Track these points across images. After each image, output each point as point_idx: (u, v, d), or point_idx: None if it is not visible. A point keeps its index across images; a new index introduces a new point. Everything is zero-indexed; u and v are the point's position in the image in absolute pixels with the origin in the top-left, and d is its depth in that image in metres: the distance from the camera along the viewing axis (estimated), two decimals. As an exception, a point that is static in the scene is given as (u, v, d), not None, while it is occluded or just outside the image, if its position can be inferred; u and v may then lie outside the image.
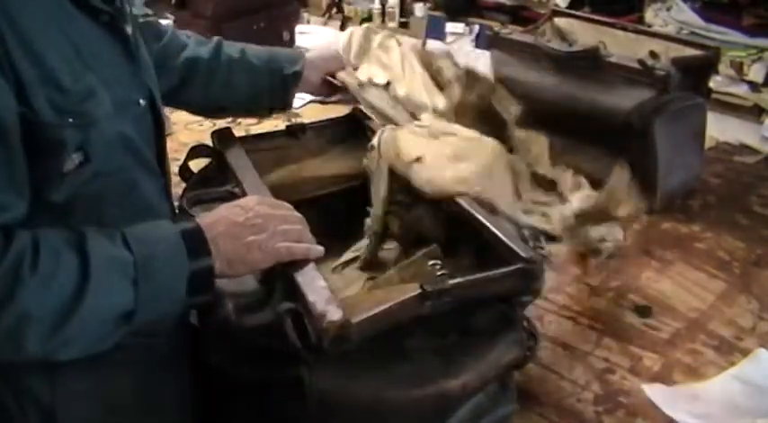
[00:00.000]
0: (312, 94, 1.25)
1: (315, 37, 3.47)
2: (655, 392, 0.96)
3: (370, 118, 1.16)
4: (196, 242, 0.73)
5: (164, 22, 3.10)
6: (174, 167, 0.98)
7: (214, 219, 0.76)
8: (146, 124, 0.82)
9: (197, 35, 1.12)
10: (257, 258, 0.76)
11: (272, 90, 1.11)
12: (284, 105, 1.15)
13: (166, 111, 1.13)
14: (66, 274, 0.66)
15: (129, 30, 0.80)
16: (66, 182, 0.71)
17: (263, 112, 1.24)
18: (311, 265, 0.77)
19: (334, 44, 1.24)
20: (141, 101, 0.81)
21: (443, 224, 0.98)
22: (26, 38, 0.65)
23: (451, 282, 0.76)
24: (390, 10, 4.01)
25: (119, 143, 0.76)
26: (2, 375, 0.73)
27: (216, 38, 1.11)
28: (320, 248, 0.79)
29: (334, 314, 0.69)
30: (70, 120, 0.69)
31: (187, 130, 1.71)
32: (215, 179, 1.03)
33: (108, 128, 0.74)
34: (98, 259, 0.67)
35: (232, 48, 1.10)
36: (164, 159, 0.89)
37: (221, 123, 1.56)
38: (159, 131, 0.86)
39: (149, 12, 0.94)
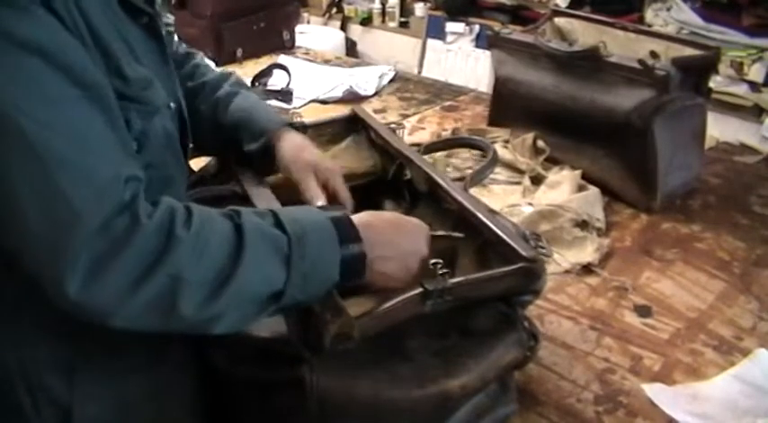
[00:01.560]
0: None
1: (315, 37, 3.48)
2: (655, 392, 0.96)
3: (370, 116, 1.16)
4: (346, 229, 0.72)
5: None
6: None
7: (369, 219, 0.77)
8: (176, 127, 0.84)
9: (213, 69, 1.06)
10: (399, 273, 0.76)
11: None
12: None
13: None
14: (221, 239, 0.64)
15: (164, 33, 0.82)
16: None
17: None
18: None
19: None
20: (172, 104, 0.82)
21: (446, 222, 0.98)
22: (94, 29, 0.67)
23: (452, 281, 0.76)
24: (390, 10, 4.01)
25: (164, 138, 0.77)
26: (20, 373, 0.72)
27: (224, 79, 1.04)
28: None
29: (336, 313, 0.69)
30: (133, 105, 0.70)
31: (187, 130, 1.71)
32: (216, 178, 1.03)
33: (158, 121, 0.75)
34: (252, 232, 0.66)
35: (222, 98, 1.01)
36: (187, 163, 0.90)
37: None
38: (183, 136, 0.87)
39: (170, 21, 0.95)
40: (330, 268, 0.70)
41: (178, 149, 0.83)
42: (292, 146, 0.98)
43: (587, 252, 1.26)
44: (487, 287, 0.80)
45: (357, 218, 0.75)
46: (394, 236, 0.77)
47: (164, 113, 0.77)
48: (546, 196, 1.40)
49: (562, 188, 1.40)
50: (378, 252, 0.74)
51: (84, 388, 0.74)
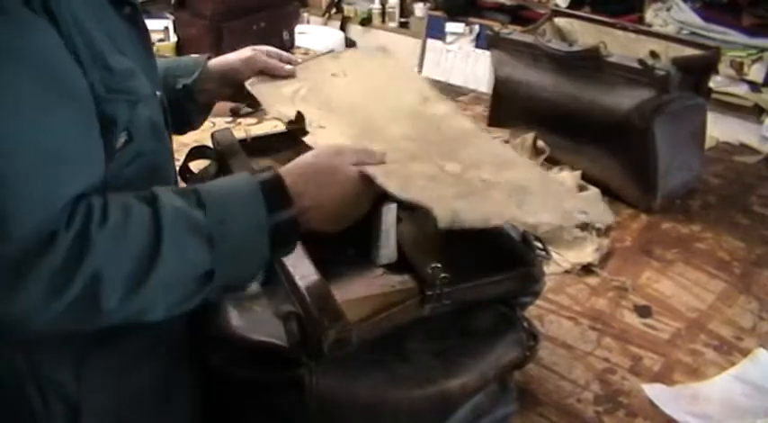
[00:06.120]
0: (228, 100, 1.13)
1: (315, 37, 3.48)
2: (655, 392, 0.96)
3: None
4: (276, 193, 0.71)
5: (164, 21, 3.10)
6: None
7: (297, 171, 0.76)
8: (161, 115, 0.84)
9: None
10: (336, 222, 0.77)
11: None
12: (188, 125, 1.05)
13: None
14: (139, 230, 0.64)
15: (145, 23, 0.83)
16: (116, 160, 0.72)
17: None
18: (312, 268, 0.77)
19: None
20: (157, 93, 0.83)
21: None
22: (78, 21, 0.67)
23: (452, 285, 0.76)
24: (390, 10, 4.01)
25: (150, 126, 0.78)
26: (31, 373, 0.73)
27: None
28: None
29: (334, 319, 0.69)
30: (120, 96, 0.71)
31: (187, 131, 1.71)
32: (215, 178, 1.03)
33: (142, 110, 0.76)
34: (171, 217, 0.66)
35: None
36: (172, 151, 0.91)
37: (221, 124, 1.56)
38: (167, 124, 0.88)
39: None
40: (259, 241, 0.70)
41: (165, 137, 0.84)
42: (224, 57, 1.04)
43: (587, 252, 1.26)
44: (486, 291, 0.80)
45: (286, 173, 0.74)
46: (323, 179, 0.76)
47: (149, 103, 0.78)
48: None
49: (562, 188, 1.41)
50: (308, 202, 0.74)
51: (91, 380, 0.75)
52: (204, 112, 1.07)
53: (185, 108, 1.01)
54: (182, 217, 0.67)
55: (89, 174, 0.67)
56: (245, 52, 1.05)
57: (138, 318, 0.66)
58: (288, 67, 1.05)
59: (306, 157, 0.78)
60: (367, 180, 0.77)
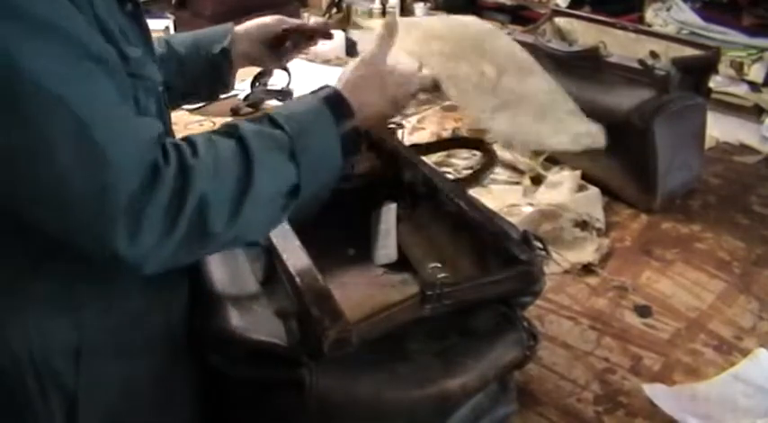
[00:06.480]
0: (257, 65, 1.26)
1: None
2: (655, 392, 0.96)
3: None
4: (339, 106, 0.79)
5: (164, 21, 3.11)
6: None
7: (355, 79, 0.84)
8: (163, 109, 0.86)
9: None
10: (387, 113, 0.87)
11: (206, 75, 1.12)
12: (225, 87, 1.17)
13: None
14: (229, 153, 0.69)
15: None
16: None
17: (207, 98, 1.29)
18: (312, 268, 0.78)
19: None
20: (159, 88, 0.84)
21: (445, 224, 0.98)
22: (96, 13, 0.70)
23: (452, 285, 0.76)
24: (391, 10, 4.01)
25: (158, 116, 0.80)
26: (29, 357, 0.73)
27: None
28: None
29: (334, 318, 0.70)
30: (139, 82, 0.74)
31: (187, 130, 1.71)
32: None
33: (152, 102, 0.78)
34: (254, 138, 0.71)
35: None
36: None
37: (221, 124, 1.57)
38: (168, 119, 0.90)
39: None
40: (333, 149, 0.76)
41: (169, 129, 0.87)
42: (251, 21, 1.18)
43: (587, 252, 1.26)
44: (486, 290, 0.80)
45: (344, 83, 0.83)
46: (373, 87, 0.85)
47: (156, 94, 0.80)
48: (546, 196, 1.40)
49: (562, 188, 1.41)
50: (366, 110, 0.82)
51: (90, 372, 0.75)
52: (234, 75, 1.18)
53: (222, 71, 1.13)
54: (265, 136, 0.72)
55: (152, 119, 0.71)
56: (269, 16, 1.17)
57: (238, 241, 0.71)
58: (312, 22, 1.17)
59: (350, 71, 0.86)
60: (413, 75, 0.90)
